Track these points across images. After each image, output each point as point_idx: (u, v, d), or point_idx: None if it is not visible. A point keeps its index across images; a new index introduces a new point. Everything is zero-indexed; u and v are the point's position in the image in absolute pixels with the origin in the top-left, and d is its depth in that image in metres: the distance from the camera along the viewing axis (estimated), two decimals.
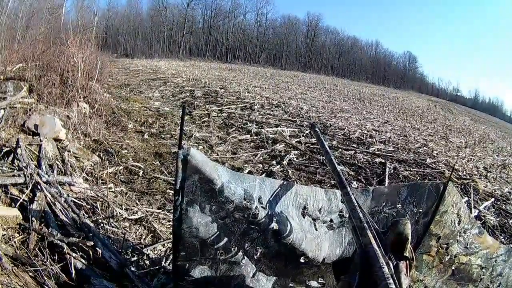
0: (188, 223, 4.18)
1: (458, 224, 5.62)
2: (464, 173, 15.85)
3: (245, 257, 4.82)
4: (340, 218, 5.37)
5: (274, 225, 4.57)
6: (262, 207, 4.52)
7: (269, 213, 4.57)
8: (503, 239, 10.66)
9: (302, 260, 5.04)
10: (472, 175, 15.73)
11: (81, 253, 5.62)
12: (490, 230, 10.90)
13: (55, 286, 4.96)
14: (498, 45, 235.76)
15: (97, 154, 11.16)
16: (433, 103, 64.22)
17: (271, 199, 4.77)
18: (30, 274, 4.98)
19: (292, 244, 4.76)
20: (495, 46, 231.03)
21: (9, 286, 4.56)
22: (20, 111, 10.37)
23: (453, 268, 5.73)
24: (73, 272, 5.17)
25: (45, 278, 4.97)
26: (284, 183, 5.02)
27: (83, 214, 7.00)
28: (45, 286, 4.86)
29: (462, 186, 13.81)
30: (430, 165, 16.05)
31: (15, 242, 5.46)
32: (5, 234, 5.51)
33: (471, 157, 20.01)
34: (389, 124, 25.79)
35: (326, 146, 5.26)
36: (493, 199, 13.24)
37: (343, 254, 5.43)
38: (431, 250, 5.55)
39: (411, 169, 14.98)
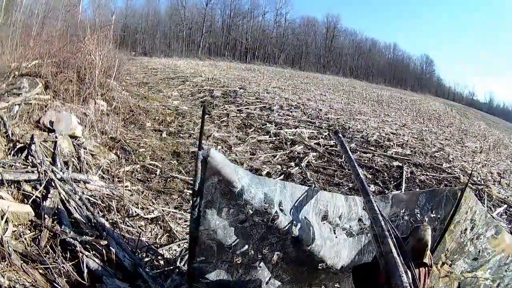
0: (206, 225, 4.11)
1: (471, 231, 5.53)
2: (479, 179, 15.65)
3: (262, 262, 4.79)
4: (359, 225, 5.39)
5: (295, 232, 4.53)
6: (282, 212, 4.45)
7: (290, 219, 4.52)
8: None
9: (319, 267, 5.01)
10: (486, 181, 15.54)
11: (94, 252, 5.51)
12: None
13: (65, 285, 4.88)
14: None
15: (114, 152, 11.07)
16: (449, 107, 63.72)
17: (293, 204, 4.73)
18: (40, 271, 4.90)
19: (312, 251, 4.73)
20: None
21: (17, 283, 4.49)
22: (35, 108, 10.27)
23: (459, 282, 5.63)
24: (85, 271, 5.08)
25: (56, 276, 4.88)
26: (306, 189, 4.98)
27: (98, 213, 6.88)
28: (55, 284, 4.78)
29: (477, 191, 13.51)
30: (446, 169, 15.85)
31: (25, 238, 5.36)
32: (15, 231, 5.41)
33: (485, 162, 19.73)
34: (407, 128, 25.53)
35: (350, 153, 5.30)
36: (505, 205, 13.02)
37: (361, 261, 5.40)
38: (439, 261, 5.47)
39: (428, 174, 14.81)
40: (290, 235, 4.56)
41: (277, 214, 4.35)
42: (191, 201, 4.27)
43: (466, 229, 5.48)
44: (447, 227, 5.34)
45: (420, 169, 15.24)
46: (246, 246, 4.54)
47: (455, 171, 15.78)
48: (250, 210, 4.24)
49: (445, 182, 14.18)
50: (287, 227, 4.48)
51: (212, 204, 4.08)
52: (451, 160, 17.91)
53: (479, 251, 5.60)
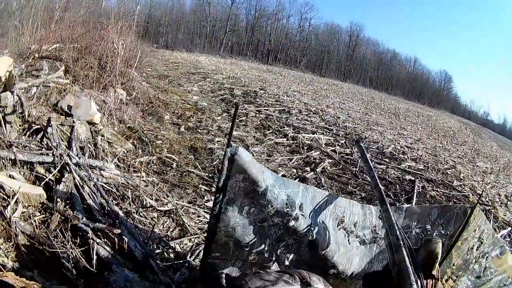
0: (226, 222, 4.10)
1: (477, 249, 5.59)
2: (487, 199, 15.57)
3: (276, 262, 4.70)
4: (372, 234, 5.42)
5: (312, 235, 4.54)
6: (302, 215, 4.45)
7: (309, 222, 4.52)
8: None
9: (330, 272, 4.96)
10: (494, 202, 15.46)
11: (105, 240, 5.48)
12: None
13: (72, 270, 4.82)
14: None
15: (131, 141, 10.99)
16: (464, 125, 63.67)
17: (313, 208, 4.74)
18: (47, 254, 4.84)
19: (326, 256, 4.70)
20: None
21: (21, 264, 4.47)
22: (54, 91, 10.16)
23: None
24: (95, 258, 5.04)
25: (63, 260, 4.81)
26: (327, 194, 5.01)
27: (112, 201, 6.81)
28: (62, 269, 4.72)
29: (484, 212, 13.29)
30: (457, 187, 15.77)
31: (35, 221, 5.31)
32: (25, 212, 5.36)
33: (494, 183, 19.60)
34: (421, 142, 25.42)
35: (370, 163, 5.34)
36: (510, 228, 12.96)
37: (371, 270, 5.41)
38: (443, 277, 5.40)
39: (438, 190, 14.75)
40: (307, 238, 4.56)
41: (297, 216, 4.36)
42: (213, 197, 4.19)
43: (473, 247, 5.56)
44: (454, 242, 5.41)
45: (431, 185, 15.21)
46: (263, 246, 4.50)
47: (465, 190, 15.76)
48: (271, 211, 4.22)
49: (454, 200, 14.14)
50: (305, 230, 4.49)
51: (234, 201, 4.06)
52: (462, 178, 17.88)
53: (483, 270, 5.70)
